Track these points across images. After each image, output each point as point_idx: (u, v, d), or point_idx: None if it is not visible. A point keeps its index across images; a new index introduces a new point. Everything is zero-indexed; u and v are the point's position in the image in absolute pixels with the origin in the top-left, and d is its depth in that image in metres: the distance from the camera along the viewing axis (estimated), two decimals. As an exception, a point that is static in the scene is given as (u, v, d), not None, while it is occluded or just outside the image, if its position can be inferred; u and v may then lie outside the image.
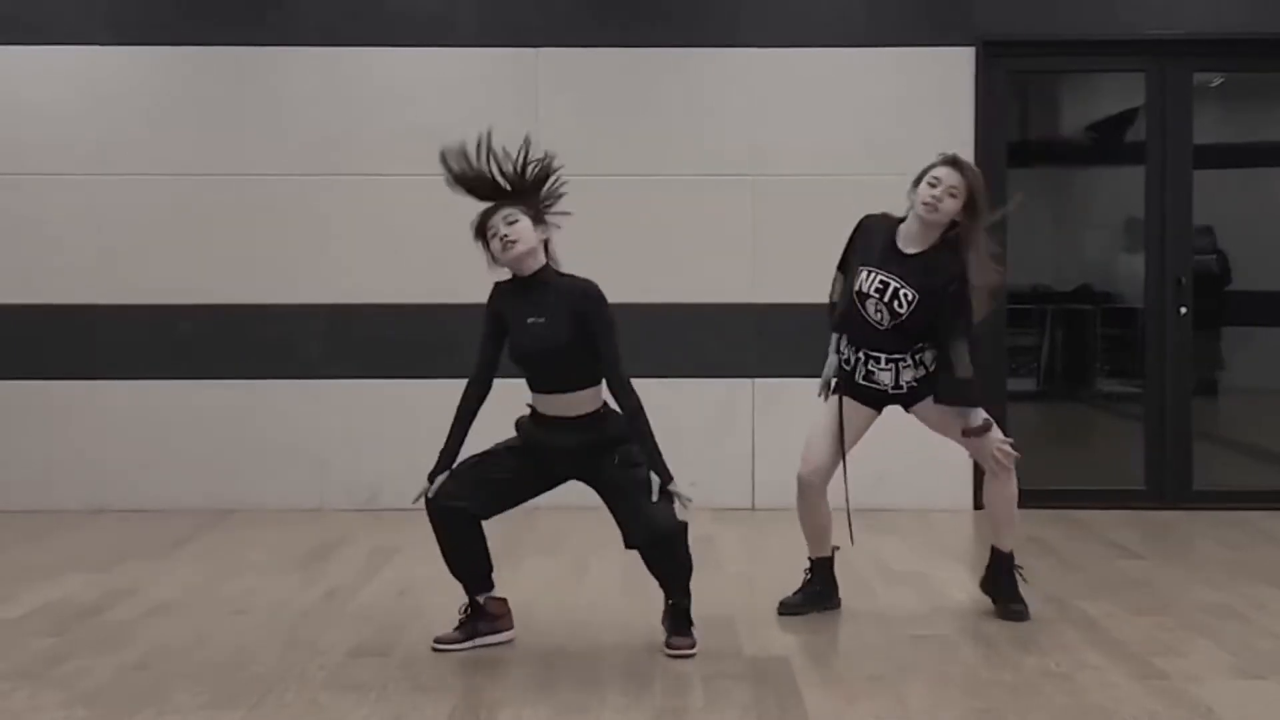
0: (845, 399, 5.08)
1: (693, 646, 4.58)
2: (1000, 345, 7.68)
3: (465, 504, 4.54)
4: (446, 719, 3.91)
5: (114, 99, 7.50)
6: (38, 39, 7.46)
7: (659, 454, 4.51)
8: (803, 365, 7.39)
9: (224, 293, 7.49)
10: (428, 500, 4.57)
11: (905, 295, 4.90)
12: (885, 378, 5.02)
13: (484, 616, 4.64)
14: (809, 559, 5.27)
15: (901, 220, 5.01)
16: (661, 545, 4.49)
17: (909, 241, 4.97)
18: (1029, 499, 7.51)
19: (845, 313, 5.03)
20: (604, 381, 4.58)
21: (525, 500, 4.70)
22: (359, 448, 7.48)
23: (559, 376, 4.55)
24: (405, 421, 7.43)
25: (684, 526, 4.52)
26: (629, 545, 4.54)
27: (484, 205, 4.58)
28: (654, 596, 5.43)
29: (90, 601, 5.34)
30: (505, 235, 4.47)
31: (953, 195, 4.88)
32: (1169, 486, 7.64)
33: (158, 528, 6.93)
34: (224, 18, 7.52)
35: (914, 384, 5.01)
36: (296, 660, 4.50)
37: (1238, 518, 7.25)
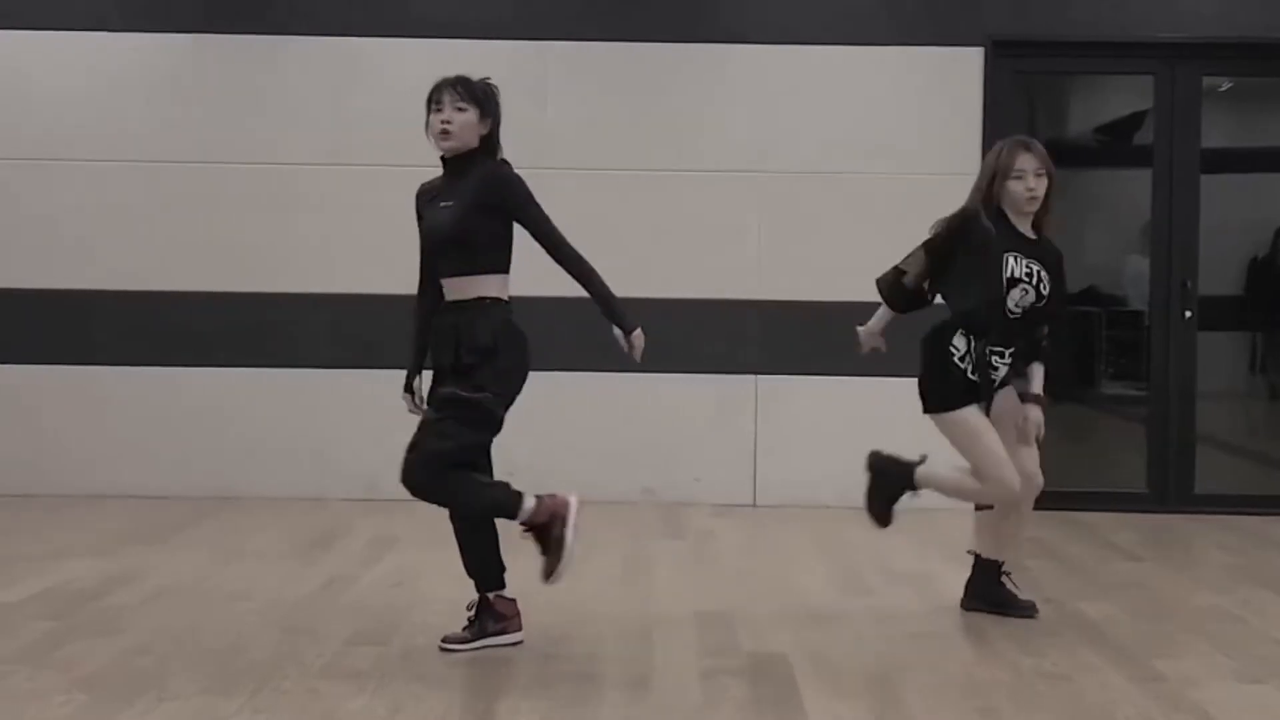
0: (977, 406, 4.82)
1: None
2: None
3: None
4: (445, 709, 3.91)
5: (122, 85, 7.49)
6: (47, 24, 7.47)
7: (614, 303, 4.44)
8: (806, 362, 7.44)
9: (227, 280, 7.49)
10: None
11: (1045, 278, 4.88)
12: (1001, 372, 4.88)
13: (493, 615, 4.58)
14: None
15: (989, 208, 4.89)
16: (413, 491, 4.36)
17: (1022, 228, 4.92)
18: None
19: (991, 302, 4.79)
20: (501, 273, 4.48)
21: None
22: (359, 437, 7.47)
23: (451, 261, 4.48)
24: (405, 411, 7.42)
25: (439, 475, 4.35)
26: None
27: None
28: (652, 590, 5.44)
29: (90, 586, 5.34)
30: (446, 122, 4.54)
31: (1039, 176, 4.90)
32: (1171, 490, 7.64)
33: (158, 514, 6.93)
34: (234, 6, 7.52)
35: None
36: (295, 648, 4.50)
37: (1239, 522, 7.25)
